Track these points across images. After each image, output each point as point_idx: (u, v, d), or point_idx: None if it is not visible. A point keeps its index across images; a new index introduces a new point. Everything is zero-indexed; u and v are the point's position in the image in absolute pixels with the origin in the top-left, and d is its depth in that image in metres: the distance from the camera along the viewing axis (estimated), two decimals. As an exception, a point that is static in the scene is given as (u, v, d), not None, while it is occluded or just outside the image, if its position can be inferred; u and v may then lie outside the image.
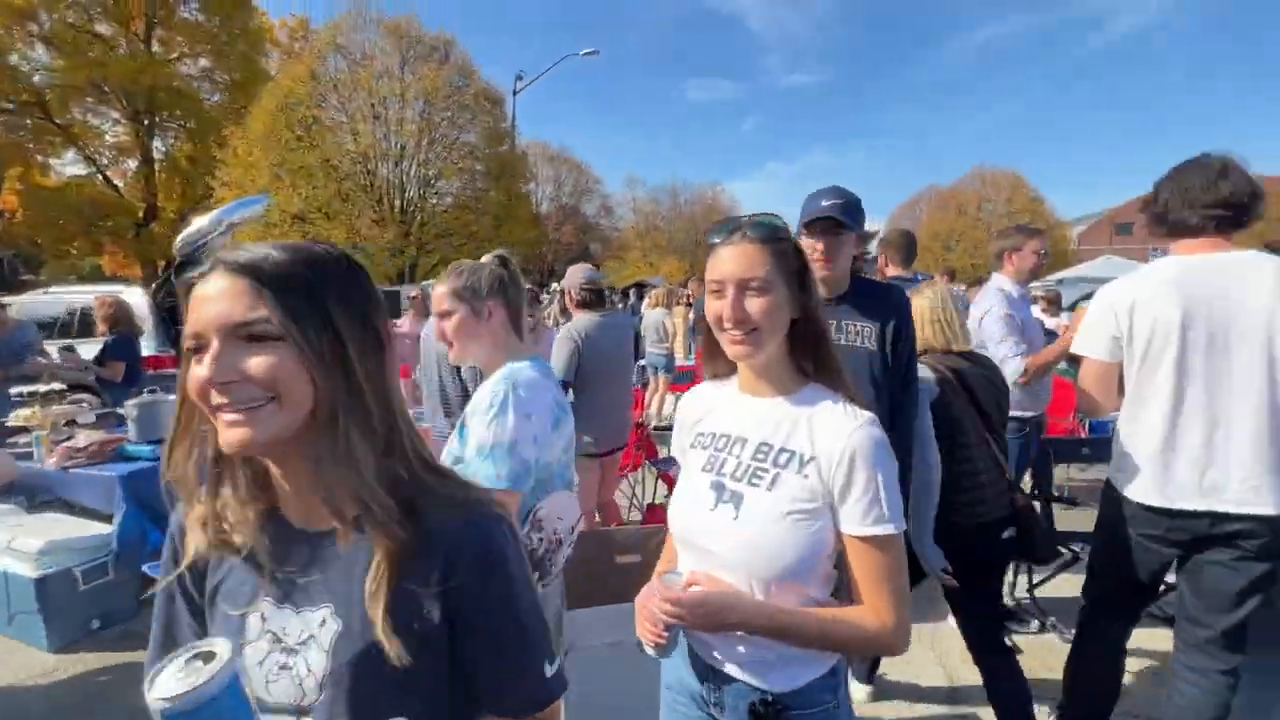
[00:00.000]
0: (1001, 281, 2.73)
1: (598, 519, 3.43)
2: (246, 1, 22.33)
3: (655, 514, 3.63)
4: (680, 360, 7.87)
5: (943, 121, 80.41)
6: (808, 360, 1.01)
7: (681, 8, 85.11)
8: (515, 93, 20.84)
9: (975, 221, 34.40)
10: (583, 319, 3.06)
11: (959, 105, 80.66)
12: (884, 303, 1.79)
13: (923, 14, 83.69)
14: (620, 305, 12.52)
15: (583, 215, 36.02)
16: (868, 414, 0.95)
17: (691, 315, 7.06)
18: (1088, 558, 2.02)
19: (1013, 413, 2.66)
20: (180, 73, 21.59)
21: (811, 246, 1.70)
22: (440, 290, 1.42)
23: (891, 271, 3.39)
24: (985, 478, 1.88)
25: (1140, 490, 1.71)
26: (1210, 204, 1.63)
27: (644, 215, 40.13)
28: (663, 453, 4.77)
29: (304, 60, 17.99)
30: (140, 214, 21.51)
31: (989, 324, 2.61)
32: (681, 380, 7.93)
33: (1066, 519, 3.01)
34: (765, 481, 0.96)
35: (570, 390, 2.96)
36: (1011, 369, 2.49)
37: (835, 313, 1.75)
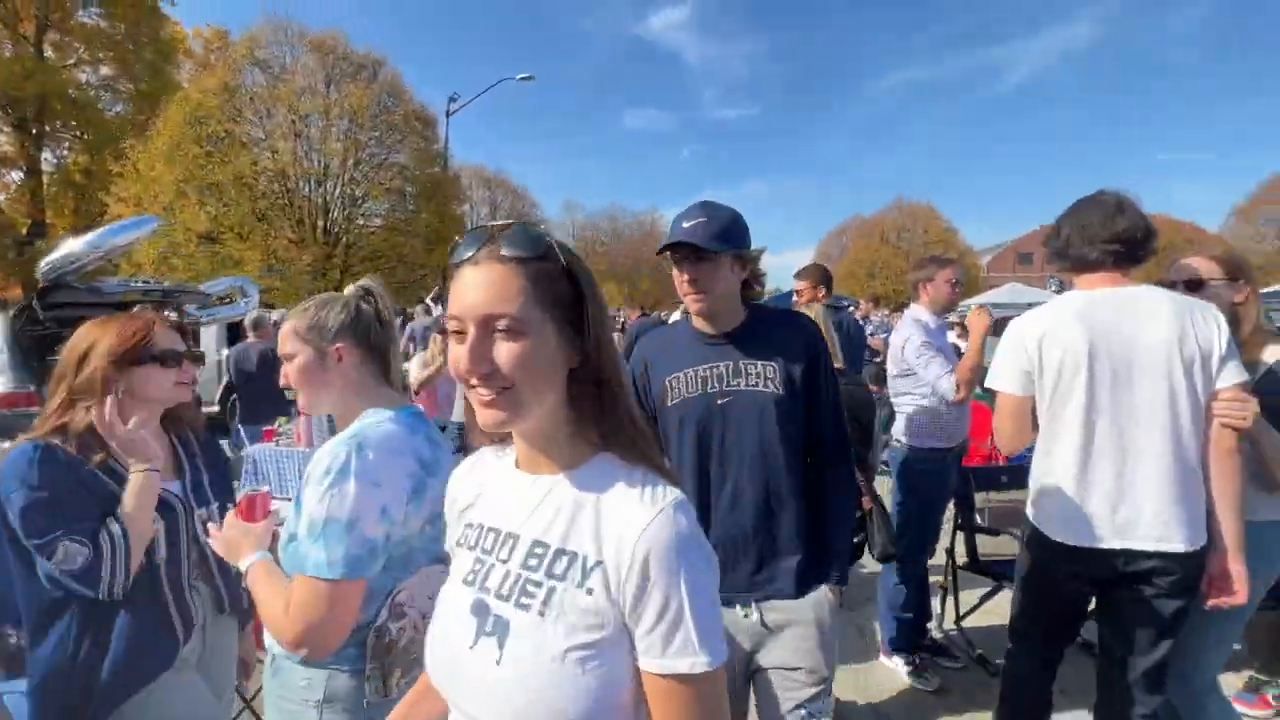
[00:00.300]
0: (917, 312, 2.74)
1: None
2: (156, 9, 20.98)
3: None
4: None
5: (866, 155, 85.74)
6: (594, 423, 0.72)
7: (619, 39, 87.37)
8: (449, 114, 20.47)
9: (896, 250, 36.53)
10: None
11: (880, 141, 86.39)
12: (790, 334, 1.46)
13: (842, 59, 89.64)
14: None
15: (520, 239, 35.57)
16: (674, 494, 0.68)
17: (622, 343, 6.93)
18: (1012, 586, 1.99)
19: (932, 444, 2.65)
20: (78, 80, 19.91)
21: (679, 278, 1.42)
22: (284, 328, 1.19)
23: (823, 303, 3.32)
24: None
25: (1056, 527, 1.68)
26: (1108, 239, 1.66)
27: (583, 240, 40.24)
28: None
29: (216, 72, 16.96)
30: (25, 230, 19.49)
31: (909, 353, 2.60)
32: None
33: (989, 545, 3.02)
34: (536, 602, 0.67)
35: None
36: (946, 386, 2.49)
37: (727, 351, 1.44)
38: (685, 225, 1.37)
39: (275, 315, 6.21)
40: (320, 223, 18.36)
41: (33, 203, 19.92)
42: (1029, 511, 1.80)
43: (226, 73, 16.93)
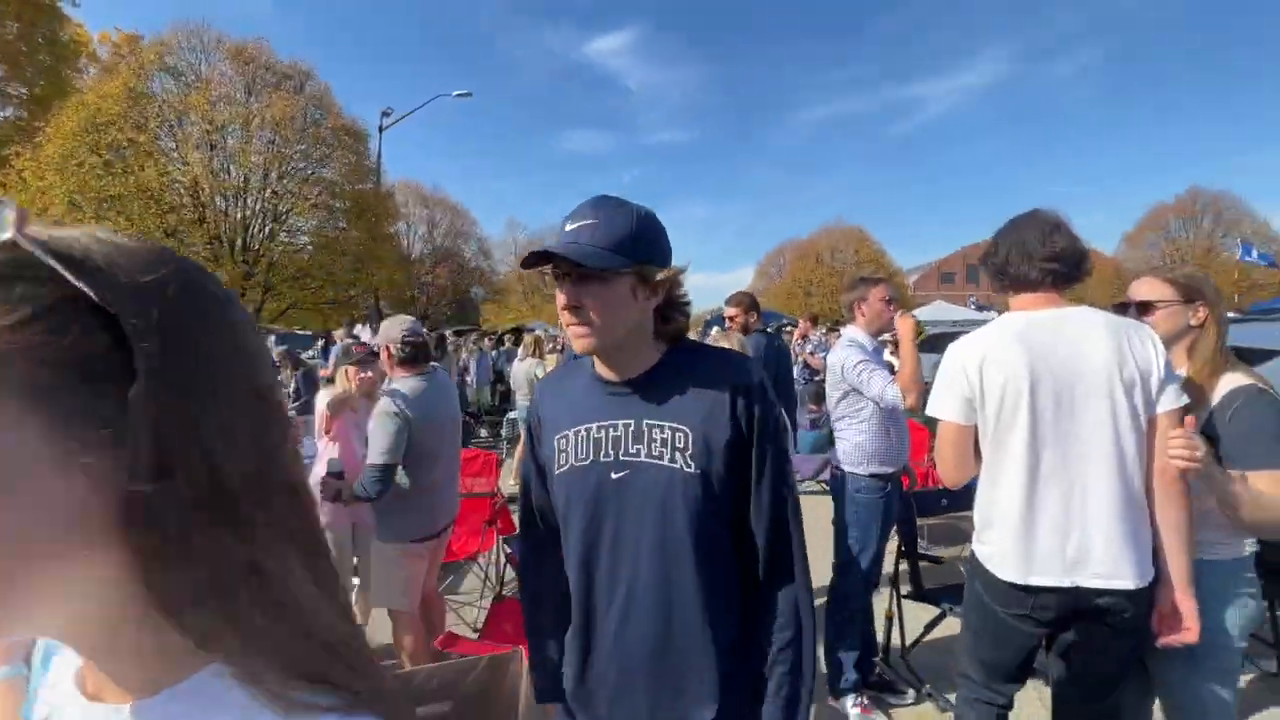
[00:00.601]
0: (853, 333, 2.66)
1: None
2: (55, 8, 19.32)
3: (504, 614, 2.96)
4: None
5: (800, 180, 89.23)
6: (195, 610, 0.34)
7: (559, 61, 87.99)
8: (381, 129, 19.78)
9: (831, 270, 37.98)
10: (404, 384, 2.55)
11: (813, 166, 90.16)
12: (716, 383, 1.03)
13: (776, 89, 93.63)
14: (492, 349, 11.82)
15: (459, 258, 34.75)
16: None
17: (560, 361, 6.67)
18: (960, 616, 1.88)
19: (872, 469, 2.56)
20: None
21: (558, 303, 1.02)
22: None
23: (754, 326, 3.43)
24: None
25: (1003, 565, 1.59)
26: (1046, 258, 1.60)
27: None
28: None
29: (121, 76, 15.67)
30: None
31: (848, 372, 2.51)
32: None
33: (934, 574, 2.95)
34: None
35: (401, 472, 2.44)
36: (892, 395, 2.41)
37: (629, 406, 1.04)
38: (568, 229, 0.98)
39: None
40: (239, 239, 17.19)
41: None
42: (975, 548, 1.70)
43: (132, 78, 15.67)
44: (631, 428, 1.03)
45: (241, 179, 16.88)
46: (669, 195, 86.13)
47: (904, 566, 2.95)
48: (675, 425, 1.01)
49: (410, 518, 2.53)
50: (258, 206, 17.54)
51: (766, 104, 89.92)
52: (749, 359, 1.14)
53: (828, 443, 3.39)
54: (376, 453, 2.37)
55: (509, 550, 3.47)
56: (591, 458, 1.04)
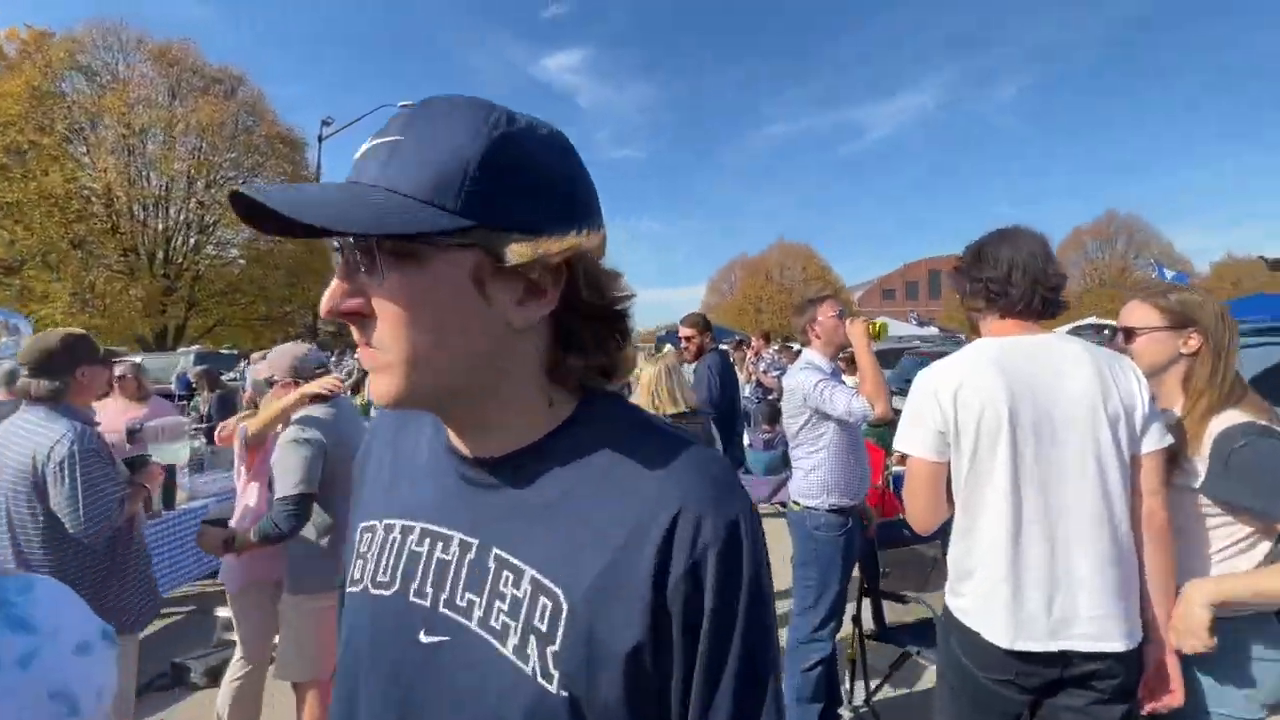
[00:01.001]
0: (810, 356, 2.50)
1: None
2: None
3: None
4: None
5: (750, 197, 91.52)
6: None
7: (513, 77, 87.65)
8: (321, 138, 18.95)
9: (780, 287, 38.83)
10: (314, 410, 2.24)
11: (761, 185, 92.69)
12: (652, 504, 0.49)
13: (725, 109, 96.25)
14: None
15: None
16: None
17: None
18: (926, 659, 1.69)
19: (832, 501, 2.37)
20: None
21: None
22: None
23: (708, 346, 3.56)
24: None
25: (984, 624, 1.40)
26: (1053, 286, 1.45)
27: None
28: None
29: (24, 74, 14.38)
30: None
31: (810, 395, 2.34)
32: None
33: (897, 611, 2.79)
34: None
35: (313, 506, 2.10)
36: (860, 406, 2.28)
37: (482, 507, 0.54)
38: (355, 159, 0.49)
39: (121, 366, 4.87)
40: (160, 252, 15.98)
41: None
42: (950, 600, 1.51)
43: (37, 75, 14.41)
44: (471, 554, 0.52)
45: (163, 187, 15.75)
46: (621, 210, 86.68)
47: (866, 601, 2.78)
48: (543, 578, 0.49)
49: (330, 564, 2.19)
50: (181, 217, 16.39)
51: (719, 122, 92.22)
52: (719, 458, 0.55)
53: (782, 463, 3.24)
54: (289, 483, 2.04)
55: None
56: (397, 587, 0.55)
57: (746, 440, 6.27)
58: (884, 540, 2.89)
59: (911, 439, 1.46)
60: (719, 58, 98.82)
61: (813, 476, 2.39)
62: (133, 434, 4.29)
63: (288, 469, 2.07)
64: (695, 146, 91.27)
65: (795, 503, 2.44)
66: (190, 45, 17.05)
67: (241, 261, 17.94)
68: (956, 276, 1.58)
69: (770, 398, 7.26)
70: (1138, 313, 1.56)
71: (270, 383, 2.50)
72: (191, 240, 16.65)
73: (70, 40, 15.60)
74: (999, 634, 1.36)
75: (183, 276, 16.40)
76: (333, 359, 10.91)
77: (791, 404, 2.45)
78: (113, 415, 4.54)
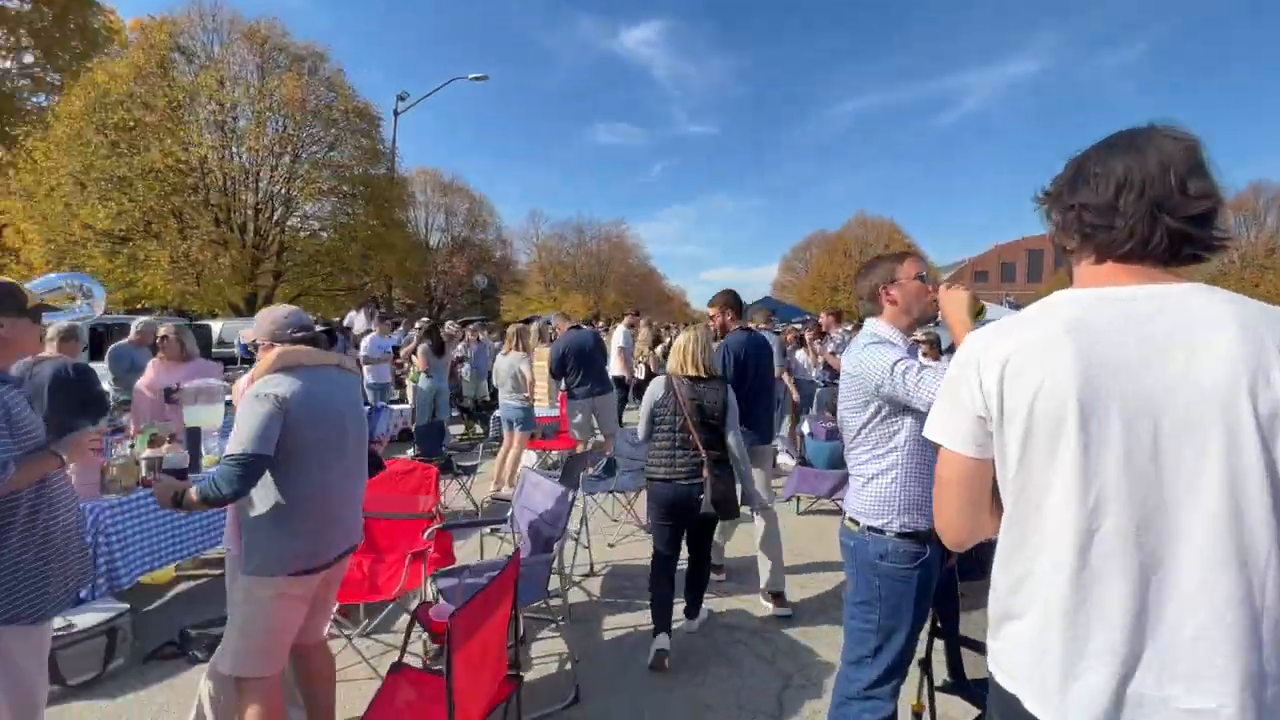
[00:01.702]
0: (878, 326, 1.89)
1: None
2: (85, -4, 19.33)
3: (397, 690, 2.12)
4: (542, 411, 6.75)
5: (828, 173, 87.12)
6: None
7: (587, 52, 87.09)
8: (397, 113, 19.35)
9: (858, 264, 36.62)
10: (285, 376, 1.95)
11: (842, 160, 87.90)
12: None
13: (805, 81, 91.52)
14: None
15: (477, 247, 34.38)
16: None
17: (549, 359, 5.98)
18: None
19: (904, 523, 1.78)
20: None
21: None
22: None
23: (732, 325, 3.73)
24: (679, 451, 2.91)
25: (1024, 688, 0.96)
26: (1186, 215, 0.91)
27: (546, 250, 39.22)
28: (463, 556, 3.45)
29: (131, 57, 15.43)
30: None
31: (889, 381, 1.73)
32: (548, 434, 6.83)
33: (978, 660, 2.17)
34: None
35: (263, 469, 1.84)
36: None
37: None
38: None
39: (165, 327, 4.98)
40: (249, 224, 16.88)
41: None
42: (991, 647, 1.04)
43: (142, 57, 15.42)
44: None
45: (252, 161, 16.57)
46: (692, 188, 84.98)
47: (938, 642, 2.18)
48: None
49: (286, 543, 1.89)
50: (269, 190, 17.23)
51: (798, 96, 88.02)
52: None
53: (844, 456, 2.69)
54: (238, 440, 1.79)
55: (437, 595, 2.79)
56: None
57: (806, 429, 5.63)
58: (968, 570, 2.26)
59: (942, 425, 1.05)
60: (802, 25, 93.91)
61: (876, 488, 1.81)
62: (170, 394, 4.28)
63: (240, 424, 1.82)
64: (774, 120, 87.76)
65: (852, 521, 1.87)
66: (277, 23, 17.72)
67: (324, 235, 18.72)
68: (1047, 203, 1.05)
69: (837, 381, 6.54)
70: None
71: (256, 347, 2.24)
72: (277, 213, 17.50)
73: (171, 23, 16.59)
74: (1043, 707, 0.93)
75: (269, 247, 17.29)
76: (401, 330, 11.11)
77: (852, 393, 1.87)
78: (156, 375, 4.60)
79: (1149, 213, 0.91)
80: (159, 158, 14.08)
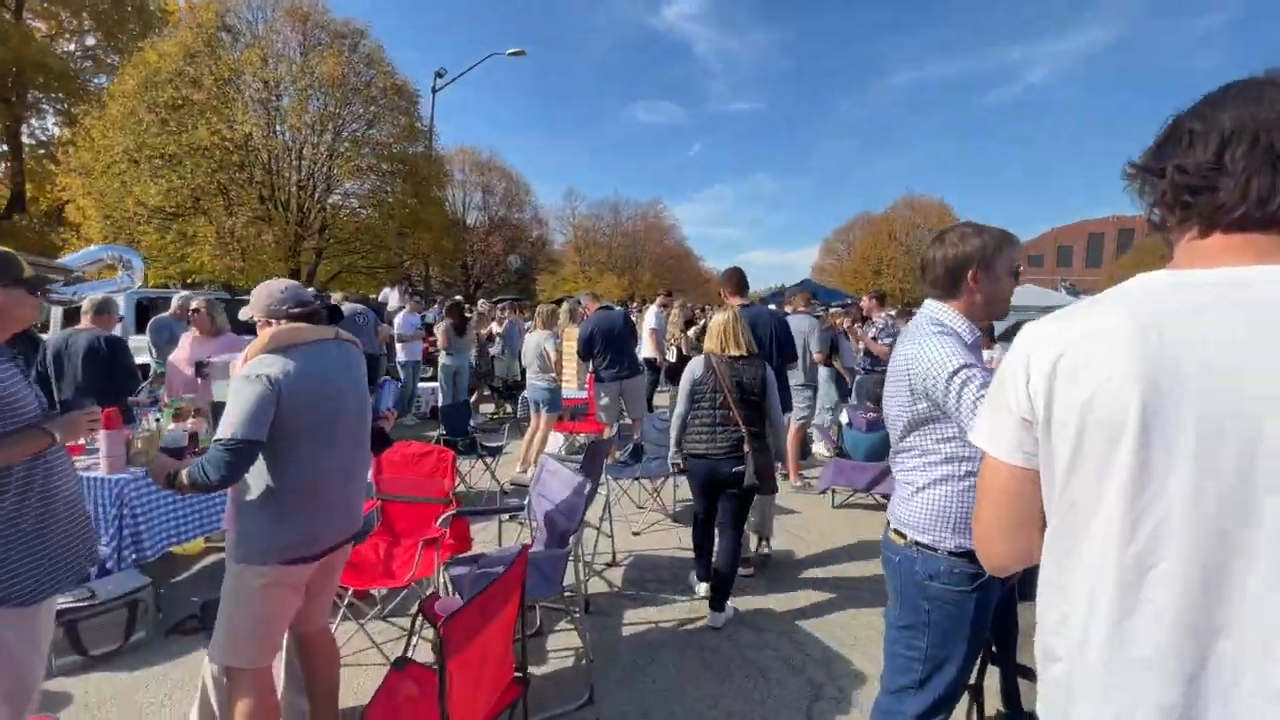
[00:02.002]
0: (942, 313, 1.62)
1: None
2: (141, -22, 19.92)
3: (398, 686, 1.97)
4: (570, 393, 6.62)
5: (874, 153, 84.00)
6: None
7: (626, 26, 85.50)
8: (435, 90, 19.31)
9: (905, 249, 35.30)
10: (287, 351, 1.85)
11: (889, 139, 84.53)
12: None
13: (852, 55, 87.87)
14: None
15: (513, 226, 34.45)
16: None
17: (577, 340, 5.82)
18: None
19: (960, 541, 1.54)
20: (57, 49, 18.93)
21: None
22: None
23: (734, 302, 3.79)
24: (719, 428, 3.04)
25: None
26: None
27: (582, 230, 39.05)
28: (481, 541, 3.31)
29: (180, 36, 15.76)
30: (4, 204, 18.67)
31: (941, 385, 1.49)
32: (576, 416, 6.71)
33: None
34: None
35: (254, 455, 1.74)
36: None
37: None
38: None
39: (196, 300, 5.06)
40: (292, 201, 17.21)
41: (11, 176, 18.95)
42: (1040, 694, 0.87)
43: (190, 37, 15.73)
44: None
45: (294, 139, 16.82)
46: (733, 167, 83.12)
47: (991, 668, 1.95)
48: None
49: (277, 531, 1.80)
50: (311, 168, 17.50)
51: (842, 71, 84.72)
52: None
53: (886, 447, 2.43)
54: (228, 424, 1.69)
55: (448, 582, 2.68)
56: None
57: (845, 419, 5.34)
58: (1029, 590, 2.01)
59: (986, 428, 0.90)
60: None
61: (927, 499, 1.57)
62: (200, 368, 4.30)
63: (230, 407, 1.71)
64: (817, 97, 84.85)
65: (897, 533, 1.64)
66: (318, 0, 17.79)
67: (363, 212, 18.95)
68: (1137, 177, 0.84)
69: (878, 368, 6.18)
70: None
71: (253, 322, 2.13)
72: (319, 190, 17.78)
73: (219, 1, 16.84)
74: None
75: (311, 224, 17.61)
76: (435, 309, 11.14)
77: (899, 386, 1.62)
78: (189, 349, 4.64)
79: (1269, 164, 0.70)
80: (206, 135, 14.40)
